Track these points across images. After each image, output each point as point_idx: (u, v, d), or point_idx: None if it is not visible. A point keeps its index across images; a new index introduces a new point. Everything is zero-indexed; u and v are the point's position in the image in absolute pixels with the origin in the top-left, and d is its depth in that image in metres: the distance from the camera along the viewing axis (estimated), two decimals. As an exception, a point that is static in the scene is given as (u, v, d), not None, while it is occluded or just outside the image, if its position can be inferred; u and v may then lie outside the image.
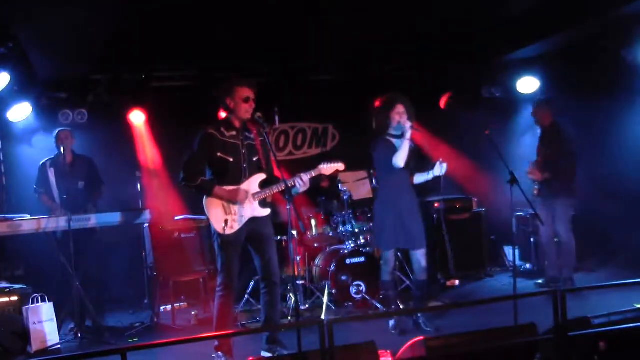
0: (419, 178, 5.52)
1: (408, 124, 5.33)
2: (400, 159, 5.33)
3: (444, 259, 7.51)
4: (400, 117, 5.42)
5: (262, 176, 4.97)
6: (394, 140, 5.48)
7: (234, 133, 4.88)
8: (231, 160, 4.82)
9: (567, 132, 6.82)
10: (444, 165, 5.30)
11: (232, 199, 4.79)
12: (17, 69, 6.18)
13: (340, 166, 5.06)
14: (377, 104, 5.63)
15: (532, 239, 7.76)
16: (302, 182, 4.80)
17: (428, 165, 5.48)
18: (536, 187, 6.80)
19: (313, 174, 4.93)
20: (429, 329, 5.40)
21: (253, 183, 4.92)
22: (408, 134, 5.33)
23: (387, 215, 5.45)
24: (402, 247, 5.54)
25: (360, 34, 6.72)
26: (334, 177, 7.44)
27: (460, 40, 7.46)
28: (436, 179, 5.44)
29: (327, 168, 5.00)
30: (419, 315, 5.55)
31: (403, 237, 5.40)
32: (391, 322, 5.60)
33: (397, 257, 5.59)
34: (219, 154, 4.80)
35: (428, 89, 8.24)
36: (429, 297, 5.68)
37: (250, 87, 4.85)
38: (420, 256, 5.42)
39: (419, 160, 5.60)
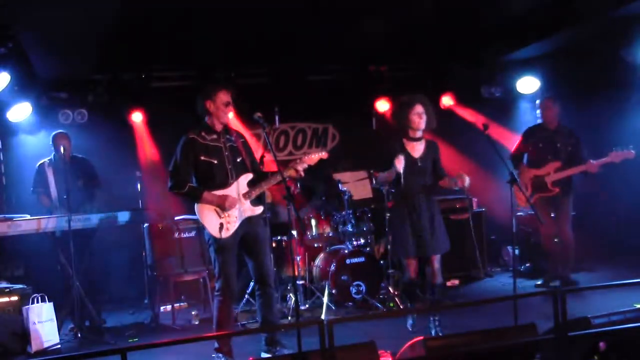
0: (444, 183, 5.29)
1: (400, 163, 5.07)
2: (379, 181, 5.27)
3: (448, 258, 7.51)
4: (420, 117, 5.19)
5: (249, 175, 4.96)
6: (411, 144, 5.25)
7: (214, 136, 4.90)
8: (215, 162, 4.83)
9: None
10: (467, 179, 5.06)
11: (221, 205, 4.79)
12: (17, 69, 6.18)
13: (323, 154, 5.02)
14: (395, 105, 5.48)
15: (532, 239, 7.76)
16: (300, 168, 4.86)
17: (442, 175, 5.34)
18: (547, 184, 6.69)
19: (300, 167, 4.92)
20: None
21: (241, 183, 4.92)
22: (397, 167, 5.08)
23: (399, 224, 5.30)
24: (416, 255, 5.29)
25: (360, 33, 6.72)
26: (330, 178, 7.48)
27: (460, 40, 7.47)
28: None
29: (310, 158, 4.96)
30: (435, 320, 5.31)
31: (415, 246, 5.22)
32: (409, 321, 5.48)
33: (418, 262, 5.37)
34: (202, 158, 4.81)
35: (428, 89, 8.24)
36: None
37: (230, 92, 4.90)
38: (434, 260, 5.25)
39: (440, 169, 5.36)
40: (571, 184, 6.71)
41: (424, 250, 5.23)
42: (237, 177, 4.91)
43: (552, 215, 6.77)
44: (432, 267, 5.28)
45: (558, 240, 6.78)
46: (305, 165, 4.92)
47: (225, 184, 4.86)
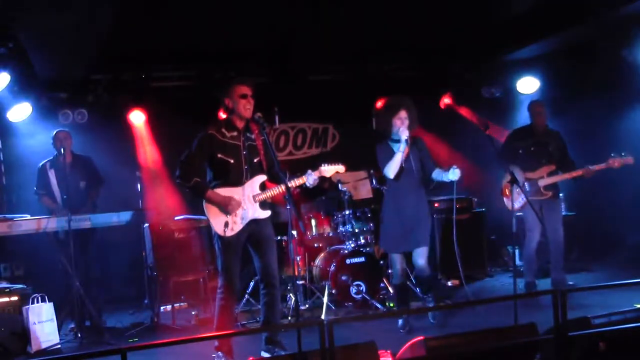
0: (437, 175, 5.37)
1: (404, 136, 5.21)
2: (390, 170, 5.31)
3: (448, 258, 7.50)
4: (402, 123, 5.29)
5: (262, 177, 4.95)
6: (395, 146, 5.38)
7: (235, 134, 4.86)
8: (232, 161, 4.81)
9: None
10: (457, 171, 5.16)
11: (224, 206, 4.77)
12: (17, 69, 6.18)
13: (340, 168, 5.05)
14: (379, 106, 5.53)
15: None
16: (311, 180, 4.87)
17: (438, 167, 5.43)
18: (541, 186, 6.62)
19: (315, 176, 4.92)
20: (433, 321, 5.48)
21: (254, 185, 4.90)
22: (402, 147, 5.24)
23: (390, 220, 5.43)
24: (404, 250, 5.48)
25: (360, 33, 6.72)
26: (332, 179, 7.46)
27: (460, 40, 7.47)
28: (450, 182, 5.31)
29: (327, 170, 4.98)
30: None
31: (405, 241, 5.38)
32: (400, 321, 5.55)
33: (404, 259, 5.53)
34: (219, 155, 4.79)
35: (428, 89, 8.24)
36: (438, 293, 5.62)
37: (247, 85, 4.84)
38: (418, 255, 5.36)
39: (429, 163, 5.47)
40: (559, 185, 6.60)
41: (406, 244, 5.39)
42: (252, 177, 4.89)
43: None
44: (417, 262, 5.39)
45: (551, 243, 6.70)
46: (316, 177, 4.90)
47: (238, 183, 4.84)
